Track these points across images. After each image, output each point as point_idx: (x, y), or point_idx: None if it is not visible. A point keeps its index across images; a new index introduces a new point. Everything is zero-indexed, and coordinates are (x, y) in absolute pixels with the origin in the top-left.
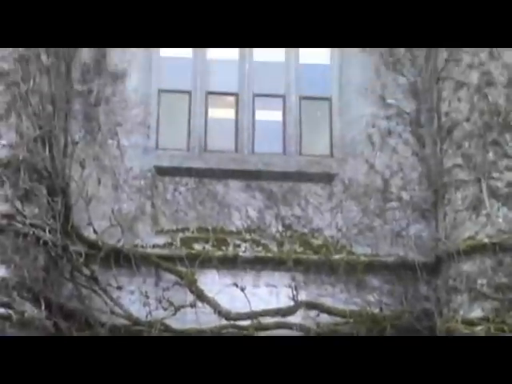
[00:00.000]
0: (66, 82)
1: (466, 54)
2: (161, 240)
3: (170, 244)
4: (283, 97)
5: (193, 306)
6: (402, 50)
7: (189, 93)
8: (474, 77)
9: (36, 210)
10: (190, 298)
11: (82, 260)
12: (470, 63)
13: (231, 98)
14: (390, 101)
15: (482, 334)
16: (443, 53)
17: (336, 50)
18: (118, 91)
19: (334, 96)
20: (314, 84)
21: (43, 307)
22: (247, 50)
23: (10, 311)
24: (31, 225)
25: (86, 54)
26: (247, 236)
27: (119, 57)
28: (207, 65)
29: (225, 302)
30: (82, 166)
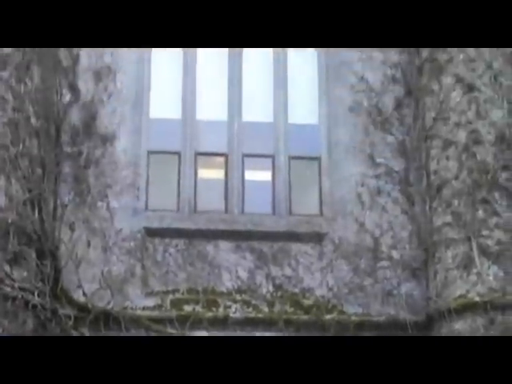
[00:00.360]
0: (56, 145)
1: (454, 113)
2: (151, 302)
3: (160, 306)
4: (272, 157)
5: None
6: (390, 108)
7: (178, 154)
8: (462, 135)
9: (25, 274)
10: None
11: (71, 323)
12: (457, 122)
13: (220, 159)
14: (378, 160)
15: None
16: (431, 112)
17: (324, 109)
18: (107, 153)
19: (323, 155)
20: (302, 144)
21: None
22: (236, 110)
23: None
24: (20, 288)
25: (75, 116)
26: (238, 297)
27: (108, 119)
28: (196, 126)
29: None
30: (72, 229)
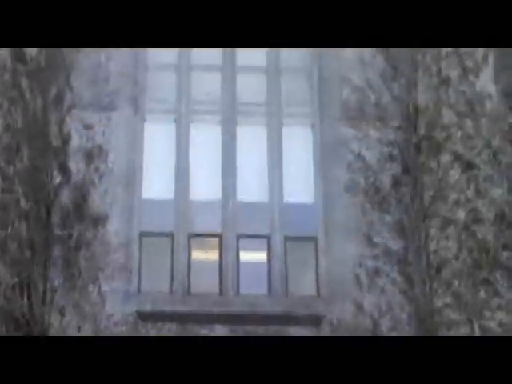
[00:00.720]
0: (46, 227)
1: (453, 191)
2: None
3: None
4: (268, 237)
5: None
6: (387, 187)
7: (171, 235)
8: (461, 214)
9: None
10: None
11: None
12: (456, 200)
13: (214, 240)
14: (376, 240)
15: None
16: (429, 190)
17: (320, 188)
18: (99, 235)
19: (320, 235)
20: (298, 224)
21: None
22: (230, 189)
23: None
24: None
25: (66, 198)
26: None
27: (100, 200)
28: (189, 206)
29: None
30: (62, 314)
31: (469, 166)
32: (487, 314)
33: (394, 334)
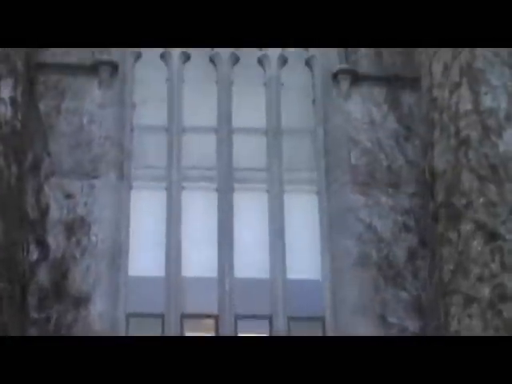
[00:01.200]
0: (21, 310)
1: (475, 265)
2: None
3: None
4: (269, 318)
5: None
6: (402, 260)
7: (161, 316)
8: (486, 290)
9: None
10: None
11: None
12: (479, 275)
13: (210, 321)
14: (391, 319)
15: None
16: (449, 264)
17: (327, 262)
18: (80, 317)
19: (327, 316)
20: (303, 303)
21: None
22: (227, 265)
23: None
24: None
25: (43, 276)
26: None
27: (82, 278)
28: (182, 284)
29: None
30: None
31: (492, 237)
32: None
33: None
